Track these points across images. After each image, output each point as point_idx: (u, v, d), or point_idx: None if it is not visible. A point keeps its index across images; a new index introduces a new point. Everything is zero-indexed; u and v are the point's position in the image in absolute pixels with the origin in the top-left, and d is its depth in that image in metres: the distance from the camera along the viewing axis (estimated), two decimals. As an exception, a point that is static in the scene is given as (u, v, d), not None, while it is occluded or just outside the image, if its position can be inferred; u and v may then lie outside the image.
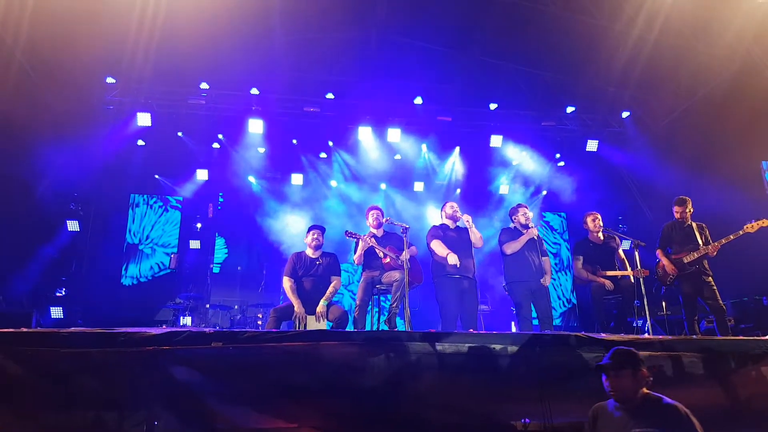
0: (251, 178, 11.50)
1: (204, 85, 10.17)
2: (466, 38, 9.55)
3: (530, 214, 6.47)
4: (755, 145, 8.37)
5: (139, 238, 11.28)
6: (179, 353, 3.47)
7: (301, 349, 3.42)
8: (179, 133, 10.76)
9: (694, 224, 6.23)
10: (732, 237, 5.86)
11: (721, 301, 5.92)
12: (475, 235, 6.14)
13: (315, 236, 6.06)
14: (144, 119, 9.89)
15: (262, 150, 11.11)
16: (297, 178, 11.35)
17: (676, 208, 6.26)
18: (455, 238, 6.14)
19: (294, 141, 11.22)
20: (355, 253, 6.12)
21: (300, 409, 3.31)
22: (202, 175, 11.07)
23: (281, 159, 11.32)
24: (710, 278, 6.00)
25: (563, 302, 12.10)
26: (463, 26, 9.20)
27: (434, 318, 7.32)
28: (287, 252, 10.66)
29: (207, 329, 3.68)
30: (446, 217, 6.36)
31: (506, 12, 8.60)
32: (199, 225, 11.21)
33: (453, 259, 5.81)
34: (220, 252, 11.61)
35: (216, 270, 11.21)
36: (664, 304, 7.16)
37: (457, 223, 6.30)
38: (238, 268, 10.83)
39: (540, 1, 8.25)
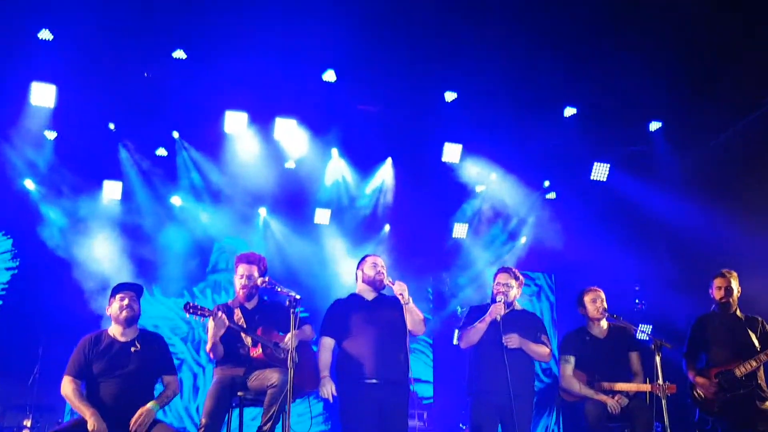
0: (28, 182, 7.58)
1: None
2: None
3: (512, 282, 4.70)
4: None
5: None
6: None
7: None
8: None
9: (741, 315, 4.91)
10: None
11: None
12: (413, 316, 4.24)
13: (126, 303, 3.92)
14: None
15: (51, 135, 7.26)
16: (112, 190, 7.64)
17: (715, 284, 5.00)
18: (368, 317, 4.20)
19: (111, 126, 7.41)
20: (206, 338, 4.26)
21: None
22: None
23: (86, 153, 7.57)
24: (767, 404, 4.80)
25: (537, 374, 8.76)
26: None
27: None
28: (85, 318, 7.14)
29: None
30: (364, 281, 4.45)
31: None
32: None
33: (326, 391, 4.11)
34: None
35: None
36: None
37: (383, 291, 4.41)
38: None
39: None
